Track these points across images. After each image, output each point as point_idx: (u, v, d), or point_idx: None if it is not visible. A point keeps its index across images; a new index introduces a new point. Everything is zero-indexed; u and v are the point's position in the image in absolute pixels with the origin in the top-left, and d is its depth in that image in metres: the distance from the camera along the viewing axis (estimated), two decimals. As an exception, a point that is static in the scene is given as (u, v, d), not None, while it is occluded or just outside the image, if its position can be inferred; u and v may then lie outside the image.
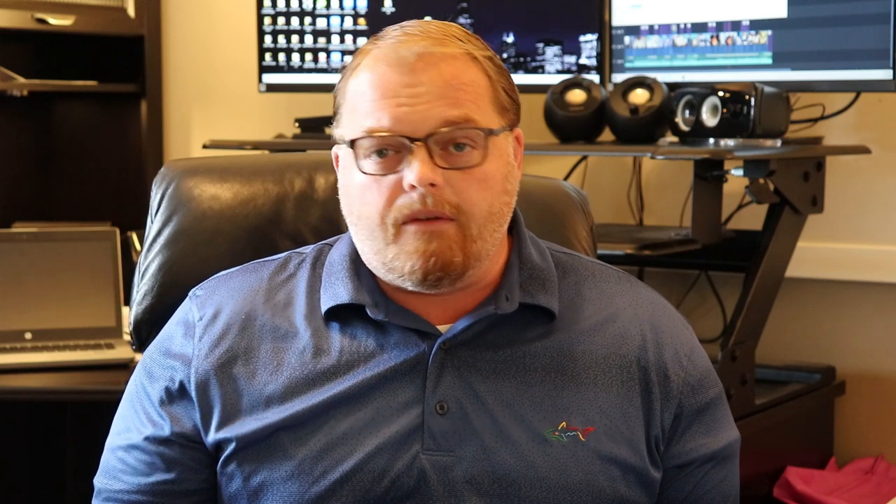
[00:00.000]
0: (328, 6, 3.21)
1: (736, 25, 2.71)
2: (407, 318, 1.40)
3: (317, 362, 1.41)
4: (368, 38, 1.45)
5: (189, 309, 1.48)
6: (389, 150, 1.35)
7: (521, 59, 2.99)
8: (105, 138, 3.74)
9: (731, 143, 2.55)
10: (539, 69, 2.98)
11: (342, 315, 1.42)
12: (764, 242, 2.60)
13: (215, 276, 1.52)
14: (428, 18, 1.44)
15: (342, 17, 3.20)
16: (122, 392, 1.51)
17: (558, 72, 2.95)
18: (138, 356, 1.55)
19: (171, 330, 1.49)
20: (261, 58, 3.31)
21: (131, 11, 3.58)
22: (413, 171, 1.33)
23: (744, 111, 2.52)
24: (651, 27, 2.83)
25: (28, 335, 2.79)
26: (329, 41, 3.22)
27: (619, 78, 2.84)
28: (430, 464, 1.36)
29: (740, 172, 2.50)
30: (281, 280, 1.48)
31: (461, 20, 3.03)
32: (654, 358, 1.44)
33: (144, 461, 1.44)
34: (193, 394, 1.43)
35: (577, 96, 2.77)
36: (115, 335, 2.82)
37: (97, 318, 2.83)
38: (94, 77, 3.58)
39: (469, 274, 1.37)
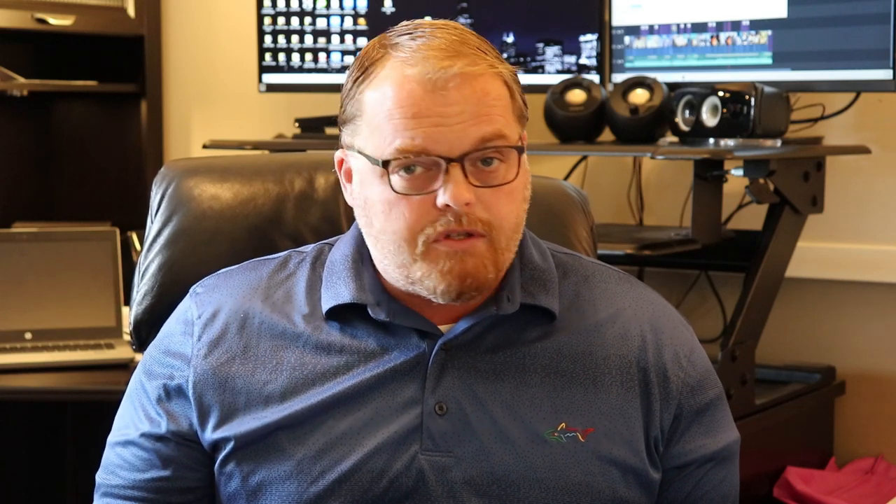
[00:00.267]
0: (328, 6, 3.21)
1: (736, 25, 2.71)
2: (409, 318, 1.40)
3: (316, 362, 1.41)
4: (369, 38, 1.44)
5: (189, 307, 1.49)
6: (418, 167, 1.34)
7: (521, 59, 2.99)
8: (105, 138, 3.74)
9: (731, 143, 2.55)
10: (539, 69, 2.98)
11: (343, 314, 1.42)
12: (764, 242, 2.60)
13: (216, 273, 1.52)
14: (428, 18, 1.44)
15: (342, 17, 3.20)
16: (122, 392, 1.51)
17: (558, 72, 2.95)
18: (138, 356, 1.55)
19: (171, 327, 1.49)
20: (261, 58, 3.31)
21: (131, 11, 3.58)
22: (449, 192, 1.32)
23: (744, 111, 2.52)
24: (651, 27, 2.83)
25: (28, 335, 2.79)
26: (329, 41, 3.22)
27: (619, 78, 2.84)
28: (428, 464, 1.36)
29: (740, 172, 2.50)
30: (280, 278, 1.48)
31: (461, 20, 3.03)
32: (654, 359, 1.43)
33: (141, 457, 1.44)
34: (191, 394, 1.43)
35: (577, 96, 2.77)
36: (115, 335, 2.82)
37: (97, 318, 2.83)
38: (94, 77, 3.58)
39: (495, 284, 1.38)
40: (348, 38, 3.20)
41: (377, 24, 3.07)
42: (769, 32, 2.66)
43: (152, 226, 1.67)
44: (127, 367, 2.65)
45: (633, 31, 2.85)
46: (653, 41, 2.83)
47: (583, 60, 2.92)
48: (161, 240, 1.66)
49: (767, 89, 2.54)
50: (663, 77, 2.75)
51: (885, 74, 2.52)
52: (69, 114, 3.79)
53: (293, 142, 3.18)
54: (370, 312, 1.40)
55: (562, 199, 1.71)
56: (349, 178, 1.42)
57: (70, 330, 2.81)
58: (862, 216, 2.91)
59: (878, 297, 2.90)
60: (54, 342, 2.78)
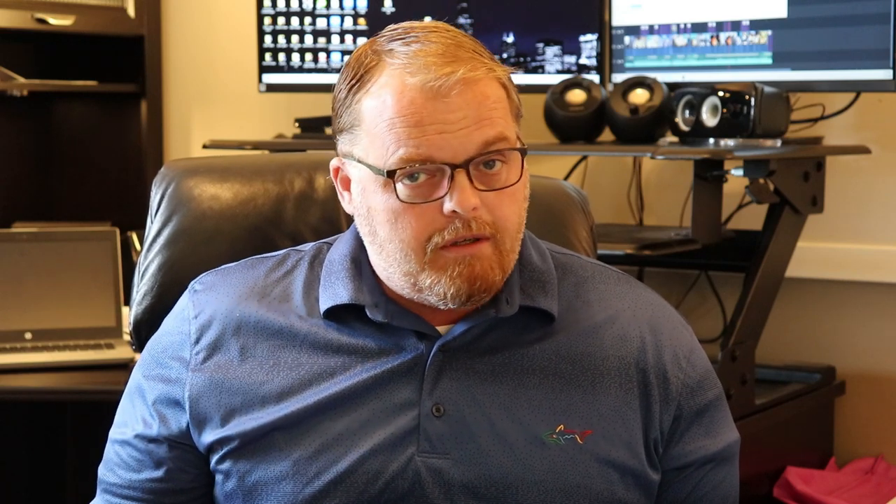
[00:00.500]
0: (328, 6, 3.21)
1: (736, 25, 2.71)
2: (407, 319, 1.40)
3: (313, 362, 1.41)
4: (368, 38, 1.43)
5: (186, 305, 1.49)
6: (422, 175, 1.34)
7: (521, 59, 2.99)
8: (105, 138, 3.74)
9: (731, 143, 2.55)
10: (539, 69, 2.98)
11: (341, 315, 1.42)
12: (764, 242, 2.60)
13: (214, 270, 1.52)
14: (428, 19, 1.44)
15: (342, 17, 3.20)
16: (121, 392, 1.52)
17: (558, 72, 2.95)
18: (138, 356, 1.55)
19: (170, 326, 1.49)
20: (261, 58, 3.31)
21: (131, 11, 3.58)
22: (456, 198, 1.32)
23: (744, 111, 2.52)
24: (651, 27, 2.83)
25: (28, 335, 2.79)
26: (329, 41, 3.22)
27: (619, 78, 2.84)
28: (425, 466, 1.36)
29: (740, 172, 2.50)
30: (277, 277, 1.48)
31: (461, 20, 3.03)
32: (654, 360, 1.43)
33: (135, 458, 1.45)
34: (186, 399, 1.43)
35: (577, 96, 2.77)
36: (115, 335, 2.82)
37: (97, 318, 2.83)
38: (94, 77, 3.58)
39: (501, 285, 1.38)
40: (348, 38, 3.20)
41: (377, 24, 3.06)
42: (769, 32, 2.66)
43: (152, 226, 1.67)
44: (127, 366, 2.64)
45: (633, 31, 2.85)
46: (653, 41, 2.83)
47: (583, 60, 2.92)
48: (161, 240, 1.66)
49: (767, 89, 2.54)
50: (663, 77, 2.75)
51: (885, 74, 2.52)
52: (69, 114, 3.79)
53: (293, 142, 3.18)
54: (368, 313, 1.40)
55: (561, 199, 1.71)
56: (346, 186, 1.42)
57: (70, 330, 2.81)
58: (862, 216, 2.91)
59: (878, 297, 2.90)
60: (54, 342, 2.78)
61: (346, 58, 1.46)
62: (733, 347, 2.52)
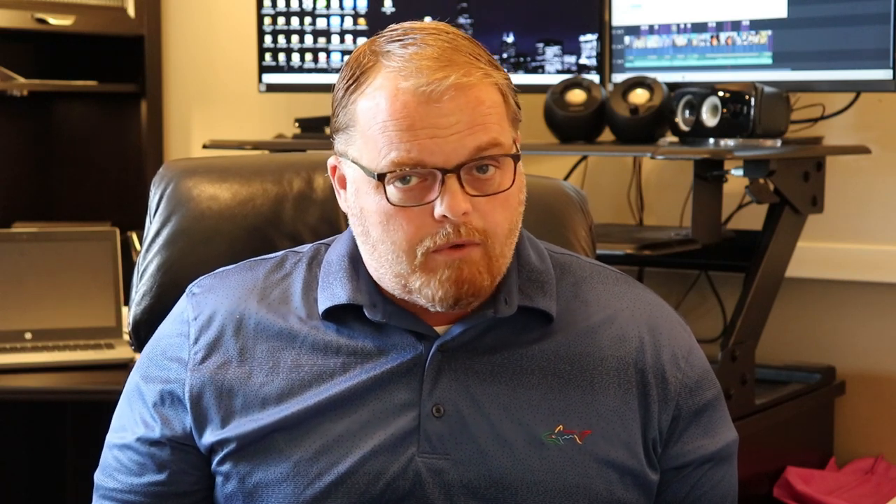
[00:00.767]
0: (328, 6, 3.21)
1: (736, 25, 2.71)
2: (405, 319, 1.40)
3: (313, 363, 1.41)
4: (368, 38, 1.43)
5: (185, 308, 1.48)
6: (414, 178, 1.34)
7: (521, 59, 2.99)
8: (105, 138, 3.74)
9: (731, 143, 2.55)
10: (539, 69, 2.98)
11: (339, 315, 1.42)
12: (764, 242, 2.60)
13: (212, 272, 1.52)
14: (428, 19, 1.43)
15: (342, 17, 3.20)
16: (121, 391, 1.51)
17: (558, 72, 2.95)
18: (138, 356, 1.55)
19: (168, 328, 1.49)
20: (261, 58, 3.31)
21: (131, 11, 3.58)
22: (447, 203, 1.32)
23: (744, 111, 2.52)
24: (651, 27, 2.83)
25: (28, 335, 2.79)
26: (329, 41, 3.22)
27: (619, 78, 2.84)
28: (425, 467, 1.36)
29: (740, 172, 2.50)
30: (276, 279, 1.48)
31: (461, 20, 3.03)
32: (652, 360, 1.43)
33: (137, 461, 1.44)
34: (187, 399, 1.42)
35: (577, 96, 2.77)
36: (115, 335, 2.82)
37: (97, 318, 2.83)
38: (94, 77, 3.58)
39: (491, 290, 1.38)
40: (348, 38, 3.20)
41: (377, 24, 3.06)
42: (769, 32, 2.66)
43: (151, 226, 1.67)
44: (127, 367, 2.64)
45: (633, 31, 2.85)
46: (653, 41, 2.83)
47: (583, 60, 2.92)
48: (160, 240, 1.66)
49: (767, 89, 2.54)
50: (663, 77, 2.74)
51: (885, 74, 2.52)
52: (69, 114, 3.79)
53: (293, 142, 3.18)
54: (366, 313, 1.40)
55: (561, 199, 1.71)
56: (343, 184, 1.42)
57: (70, 330, 2.81)
58: (862, 216, 2.91)
59: (878, 297, 2.90)
60: (54, 342, 2.78)
61: (347, 57, 1.46)
62: (733, 347, 2.52)
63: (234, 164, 1.73)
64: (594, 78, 2.88)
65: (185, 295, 1.50)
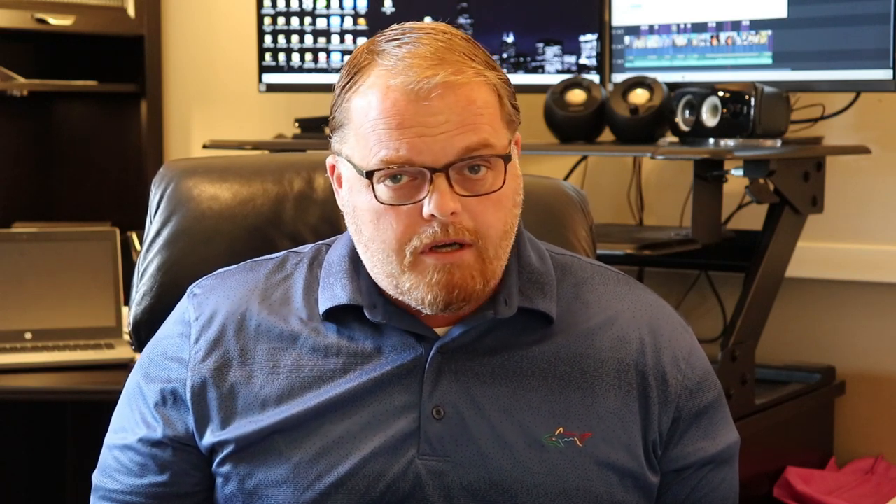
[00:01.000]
0: (328, 6, 3.21)
1: (736, 25, 2.71)
2: (405, 320, 1.40)
3: (313, 365, 1.41)
4: (368, 38, 1.42)
5: (186, 308, 1.48)
6: (404, 177, 1.33)
7: (521, 59, 2.99)
8: (105, 138, 3.74)
9: (731, 143, 2.55)
10: (539, 69, 2.98)
11: (340, 316, 1.42)
12: (764, 242, 2.60)
13: (213, 273, 1.52)
14: (428, 19, 1.43)
15: (342, 17, 3.20)
16: (121, 392, 1.51)
17: (558, 72, 2.95)
18: (138, 356, 1.55)
19: (169, 329, 1.49)
20: (261, 58, 3.31)
21: (131, 11, 3.58)
22: (434, 202, 1.31)
23: (744, 111, 2.52)
24: (651, 27, 2.83)
25: (28, 335, 2.79)
26: (329, 41, 3.22)
27: (619, 78, 2.84)
28: (425, 469, 1.36)
29: (740, 172, 2.50)
30: (278, 280, 1.48)
31: (461, 20, 3.03)
32: (653, 362, 1.43)
33: (138, 462, 1.44)
34: (189, 398, 1.42)
35: (577, 96, 2.77)
36: (115, 335, 2.82)
37: (97, 318, 2.83)
38: (94, 77, 3.58)
39: (485, 293, 1.37)
40: (348, 38, 3.20)
41: (377, 24, 3.07)
42: (769, 32, 2.66)
43: (151, 226, 1.67)
44: (127, 366, 2.64)
45: (633, 31, 2.85)
46: (653, 41, 2.83)
47: (583, 60, 2.92)
48: (160, 240, 1.66)
49: (767, 89, 2.54)
50: (663, 77, 2.74)
51: (885, 74, 2.52)
52: (69, 114, 3.79)
53: (293, 142, 3.18)
54: (366, 314, 1.40)
55: (561, 199, 1.71)
56: (341, 183, 1.42)
57: (70, 330, 2.81)
58: (862, 216, 2.91)
59: (878, 297, 2.90)
60: (54, 342, 2.78)
61: (347, 58, 1.46)
62: (733, 347, 2.52)
63: (234, 164, 1.73)
64: (594, 78, 2.88)
65: (185, 296, 1.50)
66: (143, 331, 1.64)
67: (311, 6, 3.23)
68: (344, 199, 1.41)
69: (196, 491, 1.44)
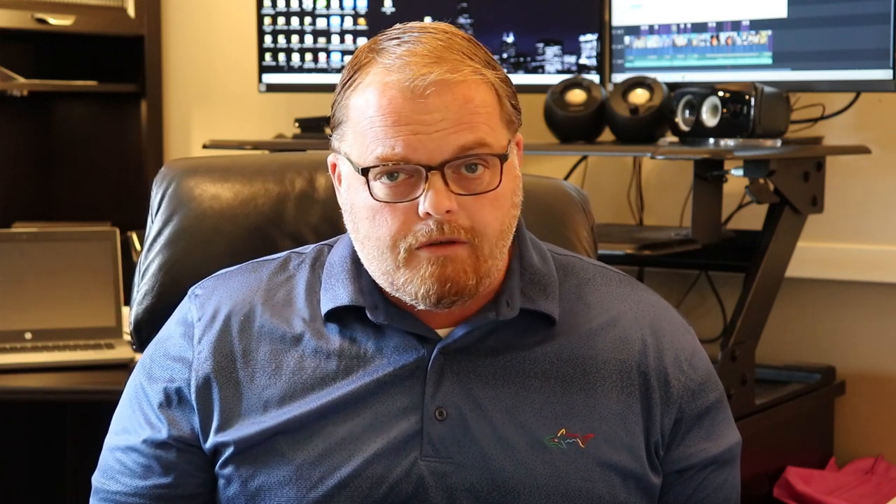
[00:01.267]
0: (328, 6, 3.21)
1: (736, 25, 2.71)
2: (407, 321, 1.40)
3: (315, 366, 1.41)
4: (368, 38, 1.43)
5: (188, 309, 1.48)
6: (401, 174, 1.33)
7: (521, 59, 2.99)
8: (105, 138, 3.74)
9: (731, 143, 2.55)
10: (539, 69, 2.98)
11: (342, 317, 1.42)
12: (764, 242, 2.60)
13: (215, 274, 1.52)
14: (428, 19, 1.44)
15: (342, 17, 3.20)
16: (121, 392, 1.51)
17: (558, 72, 2.95)
18: (138, 356, 1.55)
19: (171, 330, 1.49)
20: (261, 58, 3.31)
21: (131, 11, 3.58)
22: (429, 200, 1.31)
23: (744, 111, 2.52)
24: (651, 27, 2.83)
25: (28, 335, 2.79)
26: (329, 41, 3.22)
27: (619, 78, 2.84)
28: (428, 470, 1.36)
29: (740, 172, 2.50)
30: (280, 280, 1.47)
31: (461, 20, 3.03)
32: (655, 363, 1.43)
33: (142, 464, 1.44)
34: (193, 397, 1.42)
35: (577, 96, 2.77)
36: (115, 335, 2.82)
37: (97, 318, 2.83)
38: (94, 77, 3.58)
39: (480, 291, 1.37)
40: (348, 38, 3.20)
41: (377, 24, 3.07)
42: (769, 32, 2.66)
43: (152, 226, 1.67)
44: (127, 367, 2.64)
45: (633, 31, 2.85)
46: (653, 41, 2.83)
47: (583, 60, 2.92)
48: (161, 240, 1.66)
49: (767, 89, 2.54)
50: (663, 77, 2.75)
51: (885, 74, 2.52)
52: (69, 114, 3.79)
53: (293, 142, 3.18)
54: (368, 315, 1.40)
55: (562, 199, 1.71)
56: (341, 181, 1.42)
57: (70, 330, 2.81)
58: (862, 216, 2.91)
59: (878, 297, 2.90)
60: (54, 342, 2.78)
61: (347, 57, 1.46)
62: (733, 347, 2.52)
63: (235, 164, 1.73)
64: (594, 78, 2.88)
65: (187, 297, 1.50)
66: (145, 330, 1.64)
67: (311, 6, 3.23)
68: (342, 196, 1.41)
69: (199, 492, 1.43)
